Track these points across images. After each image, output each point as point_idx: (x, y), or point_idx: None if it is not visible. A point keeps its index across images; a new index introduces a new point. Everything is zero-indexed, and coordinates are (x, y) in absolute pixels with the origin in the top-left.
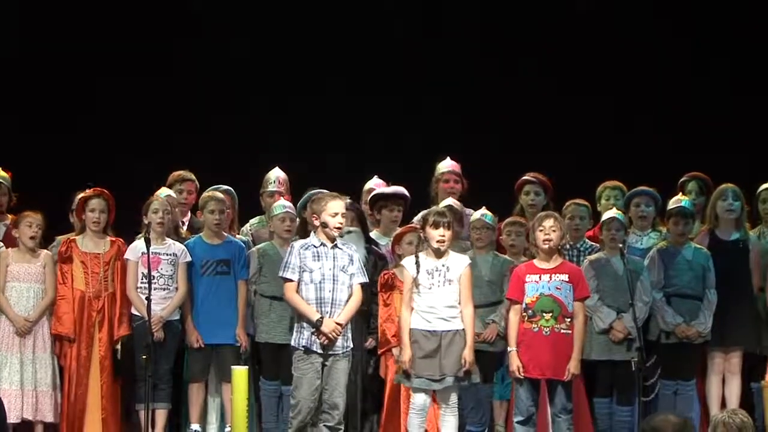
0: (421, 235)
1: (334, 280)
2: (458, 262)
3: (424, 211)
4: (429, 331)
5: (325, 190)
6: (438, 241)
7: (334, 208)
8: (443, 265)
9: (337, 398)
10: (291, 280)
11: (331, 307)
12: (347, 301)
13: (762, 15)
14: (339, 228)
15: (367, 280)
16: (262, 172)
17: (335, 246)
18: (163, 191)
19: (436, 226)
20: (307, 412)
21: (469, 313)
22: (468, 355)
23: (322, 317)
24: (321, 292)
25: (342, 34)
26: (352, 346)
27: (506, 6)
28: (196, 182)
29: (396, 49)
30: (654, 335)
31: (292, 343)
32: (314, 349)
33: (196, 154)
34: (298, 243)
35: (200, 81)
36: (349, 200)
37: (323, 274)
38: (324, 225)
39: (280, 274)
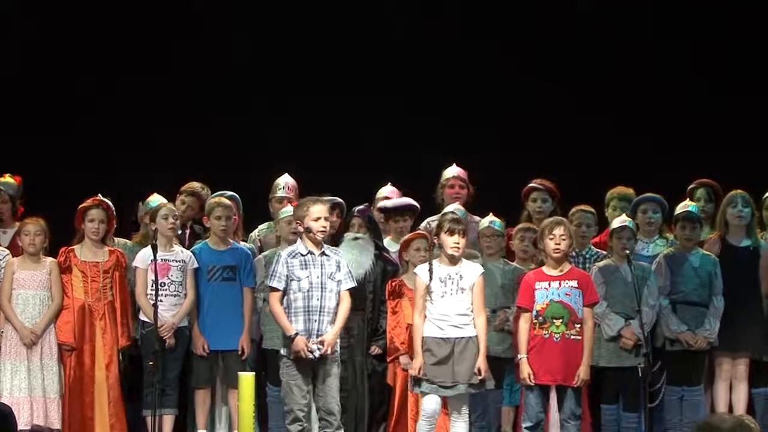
0: (435, 241)
1: (322, 288)
2: (472, 271)
3: (433, 217)
4: (442, 338)
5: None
6: (453, 248)
7: (317, 213)
8: (456, 273)
9: (331, 403)
10: (277, 290)
11: (320, 315)
12: (336, 308)
13: (764, 15)
14: (322, 232)
15: (356, 284)
16: (261, 174)
17: (323, 253)
18: (154, 198)
19: (451, 233)
20: (303, 417)
21: (482, 321)
22: (482, 363)
23: (297, 333)
24: (309, 301)
25: (342, 34)
26: (339, 350)
27: (506, 6)
28: (204, 198)
29: (396, 49)
30: (660, 342)
31: (282, 351)
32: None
33: (195, 154)
34: (285, 251)
35: (200, 81)
36: (362, 206)
37: (311, 282)
38: (308, 230)
39: (267, 282)
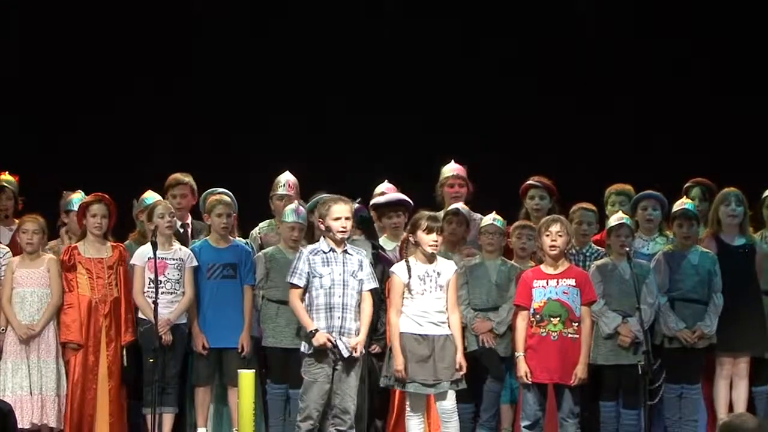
0: (411, 239)
1: (344, 285)
2: (448, 268)
3: (416, 215)
4: (421, 335)
5: (333, 195)
6: (431, 246)
7: (338, 212)
8: (434, 271)
9: (348, 403)
10: (298, 287)
11: (342, 312)
12: (357, 306)
13: (764, 15)
14: (343, 232)
15: (377, 286)
16: (261, 174)
17: (345, 251)
18: (149, 195)
19: (429, 231)
20: (317, 417)
21: (456, 318)
22: (462, 359)
23: (317, 329)
24: (331, 298)
25: (342, 34)
26: (364, 352)
27: (506, 6)
28: (192, 184)
29: (396, 49)
30: (658, 340)
31: (303, 348)
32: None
33: (195, 154)
34: (308, 249)
35: (200, 82)
36: (355, 206)
37: (333, 279)
38: (328, 230)
39: (288, 279)
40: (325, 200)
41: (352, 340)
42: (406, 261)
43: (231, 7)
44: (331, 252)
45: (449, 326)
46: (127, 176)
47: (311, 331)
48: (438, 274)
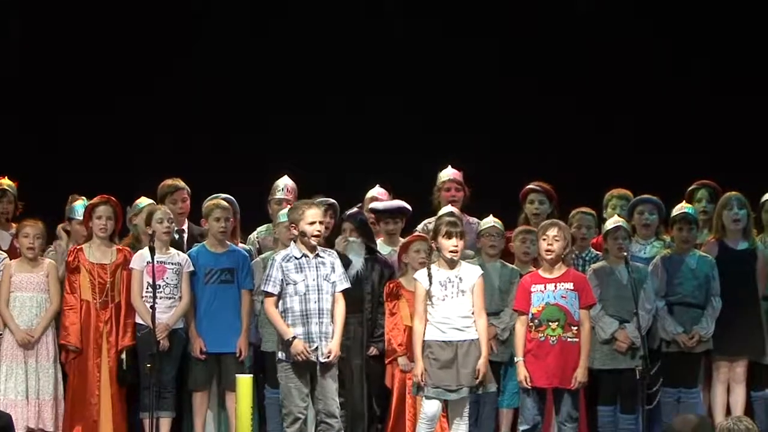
0: (433, 245)
1: (318, 290)
2: (471, 273)
3: (429, 219)
4: (444, 341)
5: (305, 200)
6: (451, 252)
7: (312, 217)
8: (456, 276)
9: (332, 405)
10: (272, 294)
11: (319, 318)
12: (332, 309)
13: (761, 15)
14: (317, 236)
15: (350, 286)
16: (260, 174)
17: (317, 255)
18: (142, 200)
19: (449, 236)
20: (303, 420)
21: (482, 323)
22: (482, 366)
23: (294, 337)
24: (306, 304)
25: (342, 33)
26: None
27: (506, 6)
28: (187, 188)
29: (396, 49)
30: (656, 344)
31: (279, 355)
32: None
33: (194, 155)
34: (279, 255)
35: (201, 84)
36: (353, 211)
37: (307, 285)
38: (302, 234)
39: (262, 287)
40: (298, 205)
41: (330, 346)
42: (428, 268)
43: (231, 7)
44: (303, 258)
45: (476, 330)
46: (126, 177)
47: (289, 339)
48: (460, 279)
